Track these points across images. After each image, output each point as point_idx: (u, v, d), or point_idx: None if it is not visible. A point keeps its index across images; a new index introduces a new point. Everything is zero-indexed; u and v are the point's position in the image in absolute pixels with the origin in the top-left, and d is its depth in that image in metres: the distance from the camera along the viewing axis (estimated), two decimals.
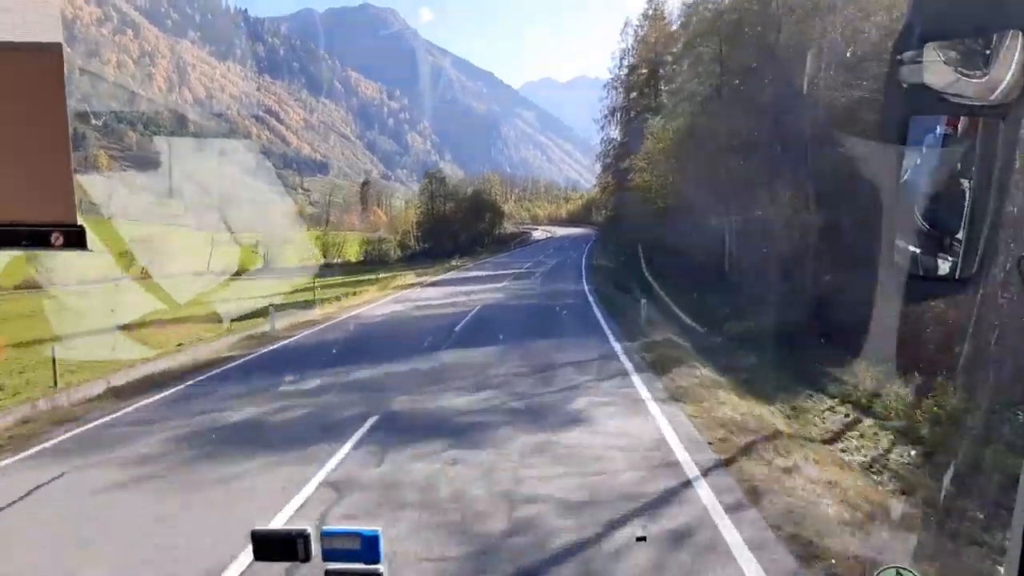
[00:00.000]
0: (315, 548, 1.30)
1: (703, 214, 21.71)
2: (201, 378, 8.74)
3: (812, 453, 6.04)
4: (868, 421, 8.43)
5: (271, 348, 11.07)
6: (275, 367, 9.56)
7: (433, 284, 24.61)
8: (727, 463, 5.13)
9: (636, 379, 8.20)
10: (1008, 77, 1.10)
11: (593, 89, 60.82)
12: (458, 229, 54.64)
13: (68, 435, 6.56)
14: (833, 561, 3.58)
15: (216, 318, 16.36)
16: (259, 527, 1.31)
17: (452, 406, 6.98)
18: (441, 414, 6.68)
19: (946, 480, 5.90)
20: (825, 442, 7.54)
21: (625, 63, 44.01)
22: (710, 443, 5.64)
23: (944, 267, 1.23)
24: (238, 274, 44.95)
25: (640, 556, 3.64)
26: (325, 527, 1.29)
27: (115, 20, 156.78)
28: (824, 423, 8.20)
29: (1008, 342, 7.51)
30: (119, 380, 8.73)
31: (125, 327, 17.94)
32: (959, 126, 1.19)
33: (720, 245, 21.25)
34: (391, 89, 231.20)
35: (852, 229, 12.30)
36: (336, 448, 5.60)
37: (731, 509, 4.19)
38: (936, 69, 1.16)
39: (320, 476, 4.96)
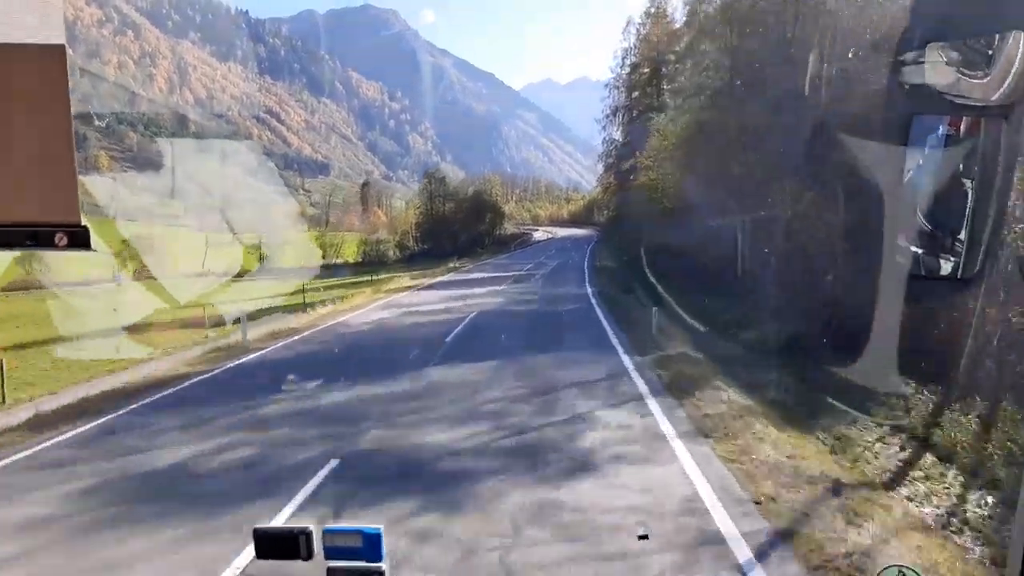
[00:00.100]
0: (317, 546, 1.27)
1: (712, 214, 20.45)
2: (144, 402, 7.49)
3: (881, 510, 4.79)
4: (928, 456, 7.18)
5: (236, 363, 9.82)
6: (233, 389, 8.32)
7: (429, 287, 23.36)
8: (784, 537, 3.88)
9: (653, 405, 6.94)
10: (1011, 78, 1.13)
11: (594, 91, 60.16)
12: (458, 230, 53.64)
13: None
14: None
15: (200, 323, 15.23)
16: (260, 525, 1.29)
17: (433, 444, 5.73)
18: (418, 456, 5.42)
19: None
20: (886, 487, 6.31)
21: (627, 62, 43.33)
22: (757, 502, 4.40)
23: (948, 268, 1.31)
24: (240, 275, 43.89)
25: None
26: (327, 525, 1.27)
27: (116, 21, 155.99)
28: (878, 459, 6.92)
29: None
30: (49, 404, 7.49)
31: (102, 333, 16.81)
32: (961, 126, 1.24)
33: (731, 246, 19.97)
34: (392, 90, 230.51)
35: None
36: (276, 510, 4.35)
37: None
38: (944, 70, 1.20)
39: (242, 562, 3.70)
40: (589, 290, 20.24)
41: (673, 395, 7.41)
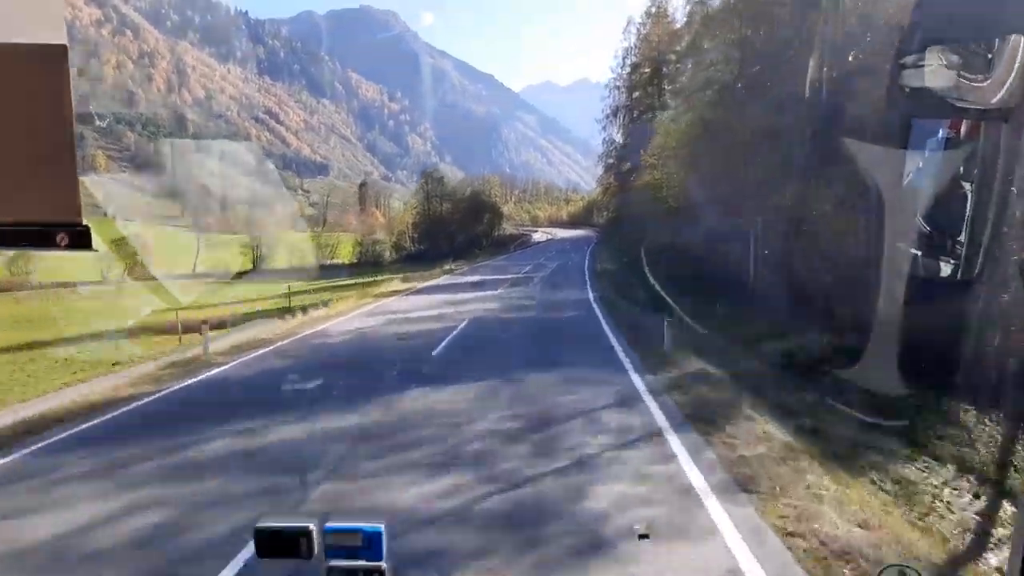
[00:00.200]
0: (317, 545, 1.25)
1: (722, 214, 19.21)
2: (53, 440, 6.16)
3: None
4: (1007, 506, 5.92)
5: (186, 384, 8.52)
6: (168, 420, 7.00)
7: (420, 291, 22.03)
8: None
9: (676, 444, 5.67)
10: (1011, 81, 1.16)
11: (594, 92, 60.23)
12: (455, 231, 52.82)
13: None
14: None
15: (176, 328, 14.07)
16: (262, 523, 1.26)
17: (399, 505, 4.44)
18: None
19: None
20: (970, 552, 5.06)
21: (628, 62, 43.18)
22: None
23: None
24: (240, 275, 42.84)
25: None
26: (328, 524, 1.26)
27: (115, 21, 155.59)
28: (952, 511, 5.65)
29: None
30: None
31: (70, 340, 15.62)
32: (961, 129, 1.31)
33: (742, 249, 18.71)
34: (391, 91, 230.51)
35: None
36: None
37: None
38: (942, 73, 1.22)
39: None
40: (590, 295, 18.94)
41: (698, 429, 6.13)
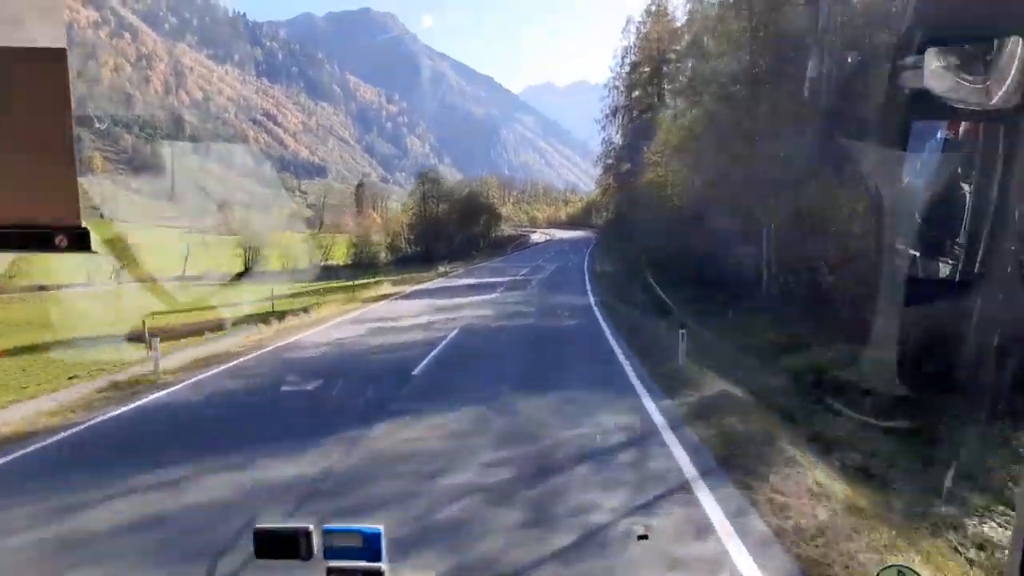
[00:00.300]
0: (317, 546, 1.27)
1: (731, 213, 17.93)
2: None
3: None
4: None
5: (117, 412, 7.18)
6: (79, 464, 5.68)
7: (411, 296, 20.69)
8: None
9: (710, 503, 4.38)
10: (1009, 82, 1.13)
11: (593, 93, 59.75)
12: (452, 232, 51.86)
13: None
14: None
15: (154, 334, 12.83)
16: (261, 524, 1.27)
17: None
18: None
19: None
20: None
21: (627, 61, 42.56)
22: None
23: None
24: (239, 276, 41.65)
25: None
26: (327, 525, 1.26)
27: (112, 23, 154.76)
28: None
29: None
30: None
31: (39, 347, 14.43)
32: (960, 131, 1.27)
33: (753, 250, 17.45)
34: (390, 93, 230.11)
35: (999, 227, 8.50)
36: None
37: None
38: (940, 74, 1.19)
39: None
40: (592, 300, 17.62)
41: (734, 479, 4.83)
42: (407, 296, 20.42)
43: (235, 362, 9.94)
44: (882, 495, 5.42)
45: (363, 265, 46.53)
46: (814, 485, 5.00)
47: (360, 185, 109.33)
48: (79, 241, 0.96)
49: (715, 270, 17.81)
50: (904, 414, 6.96)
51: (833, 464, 6.10)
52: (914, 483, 6.22)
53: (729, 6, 20.10)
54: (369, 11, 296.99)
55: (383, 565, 1.26)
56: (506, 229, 64.42)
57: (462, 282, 25.06)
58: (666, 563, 3.63)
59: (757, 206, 15.89)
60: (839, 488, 5.06)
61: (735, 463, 5.23)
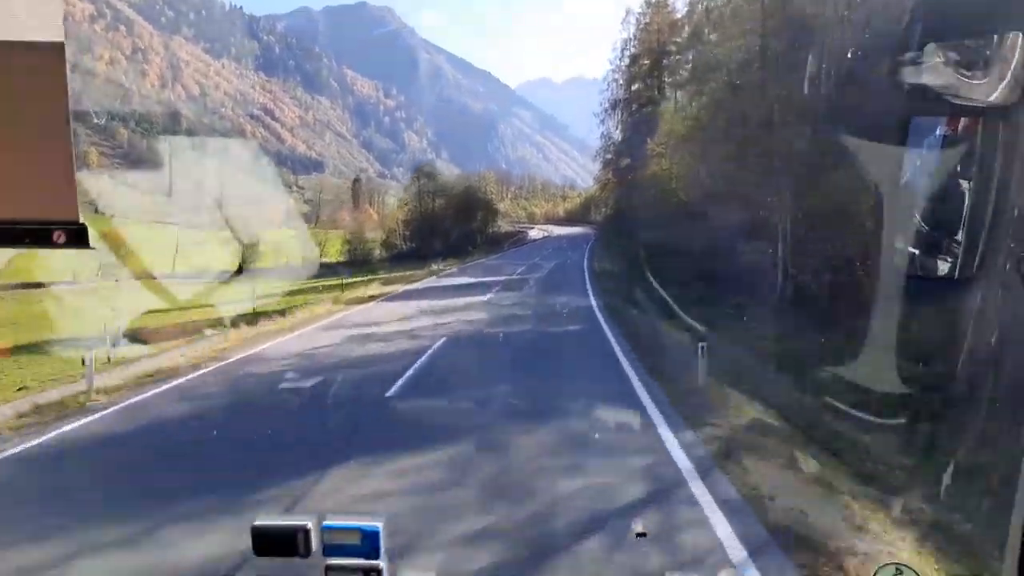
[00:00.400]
0: (315, 543, 1.26)
1: (742, 208, 16.80)
2: None
3: None
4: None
5: (18, 449, 5.94)
6: None
7: (399, 296, 19.48)
8: None
9: None
10: (1009, 78, 1.12)
11: (591, 88, 59.08)
12: (448, 228, 51.03)
13: None
14: None
15: (131, 337, 11.77)
16: (260, 522, 1.26)
17: None
18: None
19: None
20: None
21: (627, 53, 42.21)
22: None
23: None
24: (236, 273, 40.62)
25: None
26: (326, 522, 1.25)
27: (108, 17, 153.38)
28: None
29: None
30: None
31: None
32: (959, 127, 1.25)
33: (767, 248, 16.27)
34: (387, 87, 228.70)
35: None
36: None
37: None
38: (942, 70, 1.19)
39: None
40: (594, 302, 16.47)
41: (795, 561, 3.62)
42: (394, 297, 19.23)
43: (182, 379, 8.75)
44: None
45: (356, 262, 45.74)
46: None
47: (356, 180, 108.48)
48: (77, 237, 0.95)
49: (724, 269, 16.74)
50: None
51: (924, 531, 4.90)
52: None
53: None
54: (366, 5, 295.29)
55: (382, 562, 1.24)
56: (503, 225, 63.65)
57: (455, 281, 23.95)
58: None
59: (771, 200, 14.75)
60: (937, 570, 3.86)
61: (794, 534, 4.03)
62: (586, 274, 25.55)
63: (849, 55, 12.85)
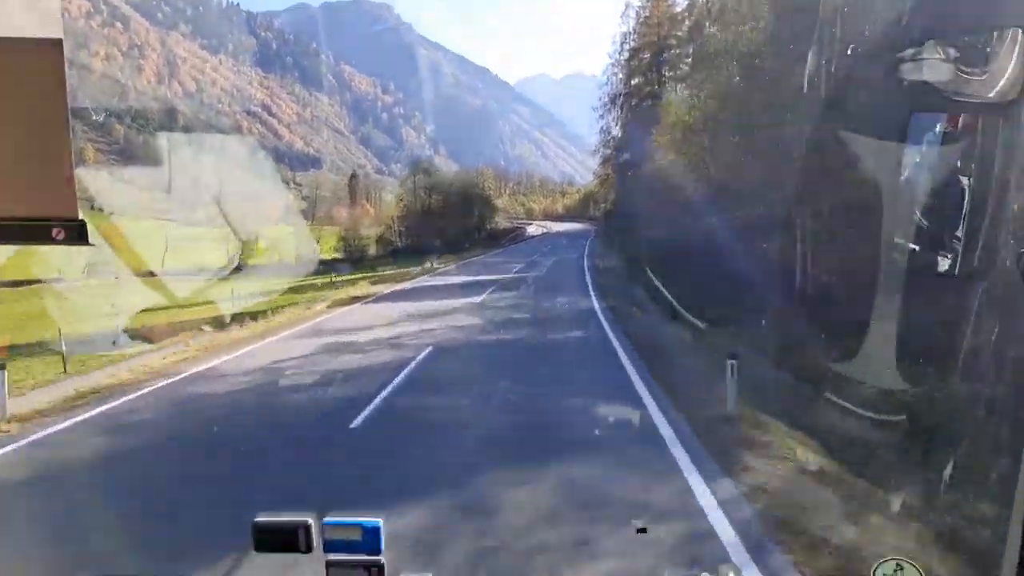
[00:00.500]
0: (316, 539, 1.24)
1: (754, 204, 15.74)
2: None
3: None
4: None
5: None
6: None
7: (387, 297, 18.34)
8: None
9: None
10: (1008, 75, 1.08)
11: (589, 84, 58.61)
12: (445, 224, 50.22)
13: None
14: None
15: (91, 344, 10.67)
16: (260, 518, 1.24)
17: None
18: None
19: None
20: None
21: (626, 47, 41.88)
22: None
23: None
24: (239, 269, 39.71)
25: None
26: (327, 518, 1.24)
27: (104, 13, 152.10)
28: None
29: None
30: None
31: None
32: (959, 123, 1.29)
33: (783, 246, 15.11)
34: (385, 84, 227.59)
35: None
36: None
37: None
38: (942, 66, 1.16)
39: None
40: (596, 304, 15.37)
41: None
42: (382, 299, 18.11)
43: (115, 403, 7.54)
44: None
45: (351, 259, 44.98)
46: None
47: (353, 176, 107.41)
48: (76, 234, 0.93)
49: (735, 268, 15.67)
50: None
51: None
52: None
53: None
54: (364, 1, 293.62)
55: (382, 558, 1.23)
56: (501, 222, 63.10)
57: (448, 281, 22.91)
58: None
59: (788, 194, 13.66)
60: None
61: None
62: (587, 274, 24.52)
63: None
